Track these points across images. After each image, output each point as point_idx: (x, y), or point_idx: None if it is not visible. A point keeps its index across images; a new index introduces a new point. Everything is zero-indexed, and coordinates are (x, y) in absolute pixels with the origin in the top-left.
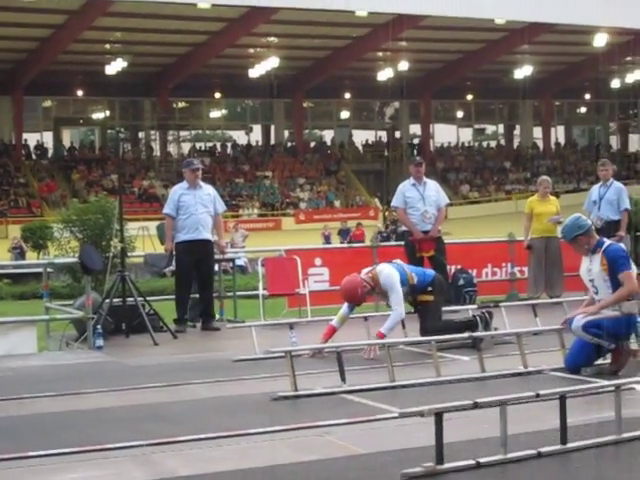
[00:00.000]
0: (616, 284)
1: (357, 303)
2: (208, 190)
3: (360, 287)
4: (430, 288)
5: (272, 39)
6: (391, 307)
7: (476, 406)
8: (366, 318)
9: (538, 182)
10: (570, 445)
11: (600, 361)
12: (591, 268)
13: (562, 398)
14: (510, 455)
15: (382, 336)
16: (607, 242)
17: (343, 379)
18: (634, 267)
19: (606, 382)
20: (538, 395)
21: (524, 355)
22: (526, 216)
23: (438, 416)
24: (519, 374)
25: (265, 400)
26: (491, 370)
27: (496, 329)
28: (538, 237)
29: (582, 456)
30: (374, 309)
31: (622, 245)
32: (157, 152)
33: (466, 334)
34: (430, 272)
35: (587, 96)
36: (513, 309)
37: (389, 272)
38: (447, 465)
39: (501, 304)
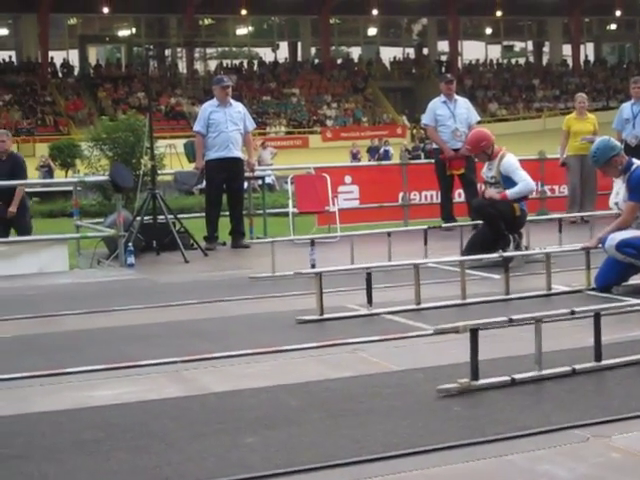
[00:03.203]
0: None
1: (475, 147)
2: (238, 108)
3: (488, 139)
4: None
5: None
6: (517, 182)
7: (511, 322)
8: (389, 234)
9: (574, 99)
10: (604, 362)
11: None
12: (619, 191)
13: (597, 315)
14: (545, 372)
15: (505, 197)
16: (636, 164)
17: (370, 301)
18: None
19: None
20: (573, 312)
21: (550, 275)
22: (563, 134)
23: (473, 332)
24: (550, 294)
25: (296, 318)
26: (521, 289)
27: (526, 247)
28: (574, 155)
29: (616, 374)
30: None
31: None
32: (183, 70)
33: (497, 255)
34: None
35: (617, 13)
36: (540, 225)
37: (514, 159)
38: (482, 381)
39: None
